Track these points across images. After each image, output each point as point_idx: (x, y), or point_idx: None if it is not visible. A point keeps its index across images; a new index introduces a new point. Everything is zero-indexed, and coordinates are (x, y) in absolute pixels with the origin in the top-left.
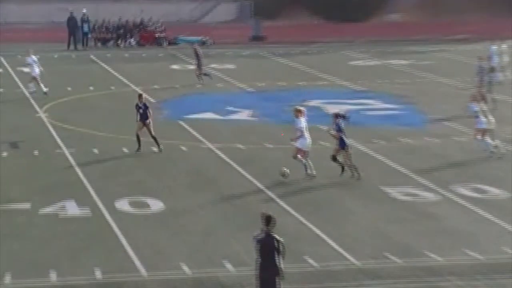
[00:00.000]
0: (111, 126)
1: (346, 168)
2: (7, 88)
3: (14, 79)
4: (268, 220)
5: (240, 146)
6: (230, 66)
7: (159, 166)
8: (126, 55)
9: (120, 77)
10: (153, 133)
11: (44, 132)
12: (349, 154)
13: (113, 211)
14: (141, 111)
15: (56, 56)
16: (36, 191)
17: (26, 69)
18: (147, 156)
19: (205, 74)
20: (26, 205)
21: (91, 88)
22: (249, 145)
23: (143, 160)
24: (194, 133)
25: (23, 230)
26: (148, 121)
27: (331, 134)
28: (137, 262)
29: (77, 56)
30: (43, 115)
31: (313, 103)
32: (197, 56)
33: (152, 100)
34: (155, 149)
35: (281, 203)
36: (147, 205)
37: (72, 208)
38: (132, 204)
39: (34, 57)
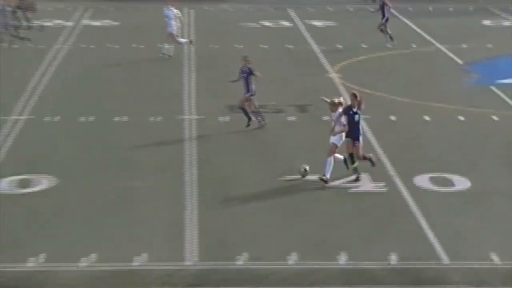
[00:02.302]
0: (410, 91)
1: None
2: (297, 44)
3: (303, 35)
4: None
5: None
6: None
7: (464, 138)
8: (430, 8)
9: (423, 33)
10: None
11: (335, 95)
12: None
13: (411, 188)
14: (244, 76)
15: (351, 9)
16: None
17: (318, 23)
18: (450, 126)
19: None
20: (314, 177)
21: (389, 45)
22: None
23: (444, 130)
24: (510, 101)
25: (309, 205)
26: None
27: None
28: (438, 248)
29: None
30: (334, 76)
31: None
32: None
33: (459, 61)
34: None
35: None
36: (450, 183)
37: (365, 182)
38: (433, 180)
39: (174, 10)
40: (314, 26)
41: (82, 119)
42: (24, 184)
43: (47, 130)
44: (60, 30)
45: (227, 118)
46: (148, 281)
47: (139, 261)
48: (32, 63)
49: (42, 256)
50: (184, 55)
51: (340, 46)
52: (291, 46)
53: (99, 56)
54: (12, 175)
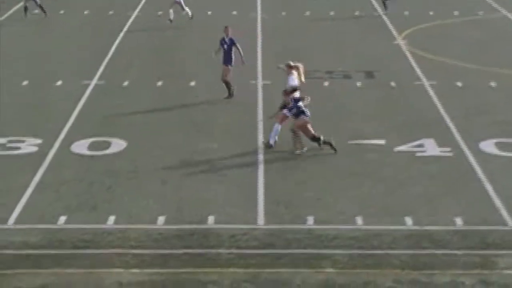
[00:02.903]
0: (477, 57)
1: None
2: (364, 11)
3: (371, 1)
4: None
5: None
6: None
7: None
8: None
9: (489, 0)
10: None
11: (402, 61)
12: None
13: (477, 153)
14: (225, 47)
15: None
16: (392, 126)
17: None
18: None
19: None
20: (380, 142)
21: (456, 13)
22: None
23: (510, 96)
24: None
25: (376, 169)
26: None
27: None
28: (504, 212)
29: None
30: (401, 42)
31: None
32: None
33: None
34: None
35: None
36: None
37: (431, 147)
38: (499, 145)
39: None
40: None
41: (151, 84)
42: (96, 146)
43: (117, 94)
44: None
45: None
46: (219, 242)
47: (210, 222)
48: (101, 30)
49: (112, 217)
50: (252, 23)
51: (406, 13)
52: (359, 13)
53: (166, 23)
54: (84, 138)
